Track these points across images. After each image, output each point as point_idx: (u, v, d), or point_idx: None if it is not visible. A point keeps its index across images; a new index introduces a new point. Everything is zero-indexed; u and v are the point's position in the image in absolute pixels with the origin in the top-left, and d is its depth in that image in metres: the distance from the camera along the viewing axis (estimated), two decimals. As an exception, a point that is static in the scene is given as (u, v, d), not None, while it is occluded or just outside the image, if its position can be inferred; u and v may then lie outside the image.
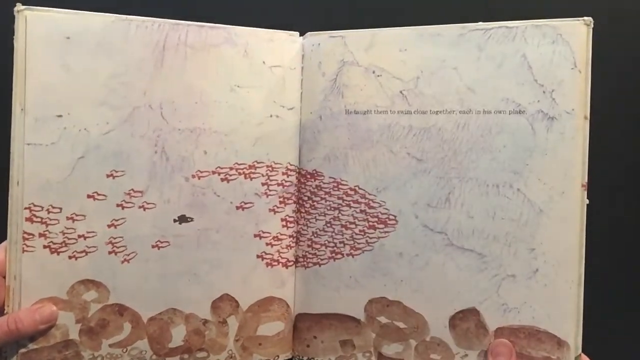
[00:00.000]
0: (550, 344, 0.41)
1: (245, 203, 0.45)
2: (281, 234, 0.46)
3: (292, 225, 0.46)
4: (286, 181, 0.46)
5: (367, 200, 0.45)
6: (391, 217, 0.44)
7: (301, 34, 0.46)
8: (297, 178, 0.46)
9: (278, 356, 0.46)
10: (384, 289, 0.44)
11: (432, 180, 0.43)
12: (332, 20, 0.45)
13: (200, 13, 0.44)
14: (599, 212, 0.41)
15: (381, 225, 0.44)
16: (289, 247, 0.46)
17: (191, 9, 0.44)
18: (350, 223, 0.45)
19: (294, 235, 0.46)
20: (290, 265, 0.46)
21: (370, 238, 0.45)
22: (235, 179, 0.44)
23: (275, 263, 0.46)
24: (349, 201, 0.45)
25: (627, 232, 0.51)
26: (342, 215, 0.45)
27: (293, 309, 0.46)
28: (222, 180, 0.44)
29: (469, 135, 0.43)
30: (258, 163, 0.45)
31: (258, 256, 0.45)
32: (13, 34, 0.42)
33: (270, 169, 0.45)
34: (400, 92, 0.44)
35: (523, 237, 0.42)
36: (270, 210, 0.45)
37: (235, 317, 0.45)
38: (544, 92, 0.41)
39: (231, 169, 0.44)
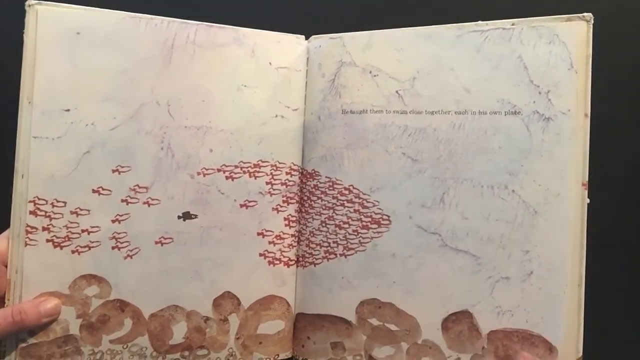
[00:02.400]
0: (544, 348, 0.41)
1: (249, 201, 0.45)
2: (284, 233, 0.46)
3: (294, 224, 0.47)
4: (289, 181, 0.46)
5: (360, 200, 0.45)
6: (385, 217, 0.44)
7: (307, 38, 0.47)
8: (299, 178, 0.47)
9: (278, 355, 0.46)
10: (376, 290, 0.44)
11: (427, 180, 0.43)
12: (339, 25, 0.46)
13: (208, 18, 0.45)
14: (598, 213, 0.42)
15: (374, 226, 0.44)
16: (290, 246, 0.46)
17: (200, 14, 0.45)
18: (344, 223, 0.45)
19: (296, 234, 0.47)
20: (292, 265, 0.46)
21: (364, 238, 0.44)
22: (239, 177, 0.45)
23: (277, 262, 0.46)
24: (343, 201, 0.45)
25: (628, 234, 0.51)
26: (337, 214, 0.45)
27: (294, 308, 0.47)
28: (227, 178, 0.45)
29: (464, 136, 0.43)
30: (263, 162, 0.45)
31: (260, 254, 0.45)
32: (23, 28, 0.42)
33: (274, 168, 0.46)
34: (397, 92, 0.44)
35: (518, 239, 0.41)
36: (273, 209, 0.46)
37: (236, 315, 0.45)
38: (539, 92, 0.41)
39: (236, 167, 0.45)
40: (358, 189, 0.45)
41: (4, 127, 0.43)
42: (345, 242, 0.45)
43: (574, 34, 0.41)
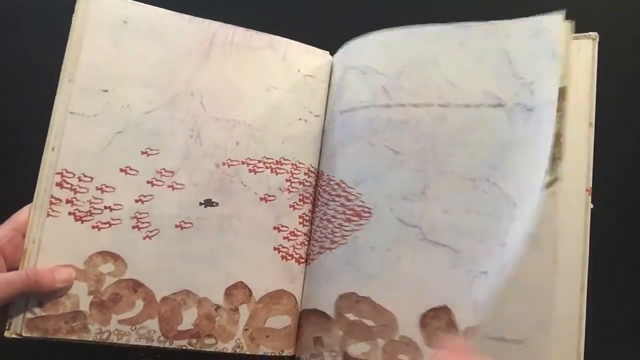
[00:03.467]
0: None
1: (269, 195, 0.47)
2: (297, 230, 0.48)
3: (307, 224, 0.48)
4: (307, 181, 0.48)
5: (346, 194, 0.45)
6: (366, 209, 0.44)
7: (332, 54, 0.51)
8: (315, 180, 0.49)
9: (282, 351, 0.46)
10: (354, 284, 0.43)
11: (408, 172, 0.43)
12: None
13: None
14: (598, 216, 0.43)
15: (356, 218, 0.44)
16: (302, 244, 0.48)
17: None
18: (333, 217, 0.45)
19: (308, 233, 0.48)
20: (302, 263, 0.48)
21: (346, 231, 0.44)
22: (262, 171, 0.47)
23: (290, 257, 0.47)
24: (334, 195, 0.46)
25: (626, 236, 0.53)
26: (329, 209, 0.46)
27: (299, 306, 0.47)
28: (250, 171, 0.47)
29: (447, 129, 0.42)
30: (284, 160, 0.48)
31: (275, 248, 0.47)
32: (72, 12, 0.44)
33: (294, 167, 0.48)
34: (382, 86, 0.44)
35: (497, 232, 0.40)
36: (290, 206, 0.47)
37: (247, 306, 0.45)
38: (522, 84, 0.41)
39: (259, 161, 0.47)
40: (345, 183, 0.45)
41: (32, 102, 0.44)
42: (332, 235, 0.45)
43: (556, 26, 0.40)
